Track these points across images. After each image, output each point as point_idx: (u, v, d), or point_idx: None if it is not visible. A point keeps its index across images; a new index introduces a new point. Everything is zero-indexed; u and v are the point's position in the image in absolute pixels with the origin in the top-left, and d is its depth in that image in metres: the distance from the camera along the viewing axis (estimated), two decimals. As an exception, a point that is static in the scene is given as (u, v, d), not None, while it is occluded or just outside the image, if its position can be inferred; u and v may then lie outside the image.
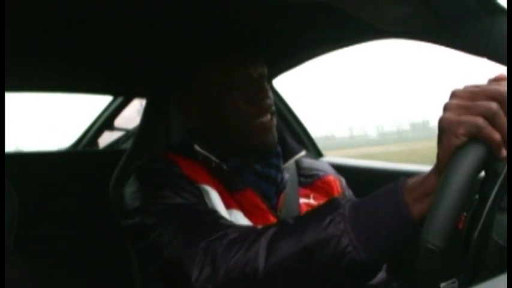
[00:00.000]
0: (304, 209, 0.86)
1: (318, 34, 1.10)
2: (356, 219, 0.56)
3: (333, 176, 0.96)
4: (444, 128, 0.51)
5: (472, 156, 0.48)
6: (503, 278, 0.34)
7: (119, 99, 1.80)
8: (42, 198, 1.37)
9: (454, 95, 0.52)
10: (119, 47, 1.14)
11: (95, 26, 1.02)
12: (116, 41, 1.10)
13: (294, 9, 1.00)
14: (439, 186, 0.49)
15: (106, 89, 1.51)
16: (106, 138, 2.01)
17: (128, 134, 1.96)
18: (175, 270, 0.68)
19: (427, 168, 0.56)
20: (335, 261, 0.56)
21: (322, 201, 0.84)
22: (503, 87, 0.50)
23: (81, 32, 1.03)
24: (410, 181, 0.56)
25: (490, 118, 0.48)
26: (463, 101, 0.50)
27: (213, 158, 0.84)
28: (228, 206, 0.80)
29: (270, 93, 0.87)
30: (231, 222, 0.73)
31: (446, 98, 0.53)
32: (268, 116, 0.85)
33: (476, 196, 0.49)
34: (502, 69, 0.72)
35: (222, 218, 0.74)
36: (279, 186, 0.87)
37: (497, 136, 0.48)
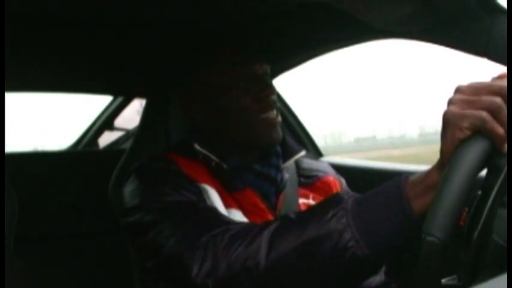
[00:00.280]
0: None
1: (317, 34, 1.10)
2: (358, 214, 0.56)
3: (332, 177, 0.96)
4: (448, 121, 0.51)
5: (476, 149, 0.48)
6: (503, 278, 0.34)
7: (119, 99, 1.79)
8: (42, 198, 1.37)
9: (458, 90, 0.52)
10: (119, 47, 1.14)
11: (95, 26, 1.02)
12: (116, 41, 1.10)
13: (294, 9, 1.00)
14: (443, 178, 0.49)
15: (106, 89, 1.51)
16: (106, 138, 2.01)
17: (128, 134, 1.95)
18: (176, 265, 0.68)
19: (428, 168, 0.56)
20: (337, 255, 0.56)
21: (321, 201, 0.84)
22: (507, 83, 0.50)
23: (81, 32, 1.03)
24: (412, 177, 0.56)
25: (494, 112, 0.49)
26: (467, 95, 0.51)
27: (213, 157, 0.84)
28: (227, 206, 0.80)
29: (275, 91, 0.87)
30: (231, 218, 0.74)
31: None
32: (274, 112, 0.85)
33: (479, 192, 0.49)
34: (502, 69, 0.72)
35: (222, 214, 0.74)
36: (278, 186, 0.87)
37: (501, 130, 0.48)
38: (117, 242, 1.15)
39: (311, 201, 0.89)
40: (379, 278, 0.84)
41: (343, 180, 0.98)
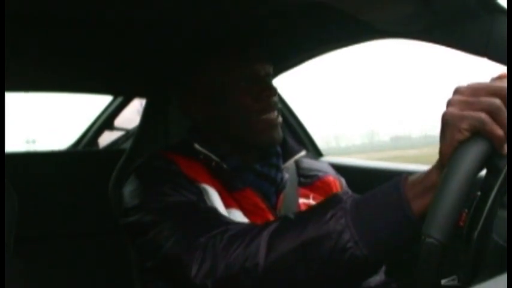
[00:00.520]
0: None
1: (318, 34, 1.10)
2: (357, 215, 0.56)
3: (332, 177, 0.96)
4: (447, 122, 0.51)
5: (475, 151, 0.48)
6: (503, 278, 0.34)
7: (119, 99, 1.80)
8: (42, 198, 1.37)
9: (457, 91, 0.52)
10: (119, 47, 1.14)
11: (95, 26, 1.02)
12: (116, 41, 1.10)
13: (294, 9, 1.00)
14: (442, 180, 0.49)
15: (106, 89, 1.51)
16: (106, 138, 2.01)
17: (128, 134, 1.96)
18: (175, 265, 0.68)
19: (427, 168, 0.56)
20: (336, 256, 0.56)
21: (321, 201, 0.84)
22: (506, 84, 0.50)
23: (81, 32, 1.03)
24: (412, 177, 0.56)
25: (493, 114, 0.48)
26: (467, 96, 0.51)
27: (214, 157, 0.84)
28: (227, 205, 0.80)
29: (276, 92, 0.87)
30: (230, 219, 0.74)
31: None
32: (275, 113, 0.85)
33: (478, 193, 0.49)
34: (502, 69, 0.72)
35: (221, 215, 0.74)
36: (278, 186, 0.87)
37: (500, 132, 0.48)
38: (117, 242, 1.15)
39: (311, 201, 0.89)
40: (379, 278, 0.84)
41: (343, 180, 0.98)
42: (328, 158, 1.48)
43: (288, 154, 0.91)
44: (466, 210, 0.48)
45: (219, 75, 0.85)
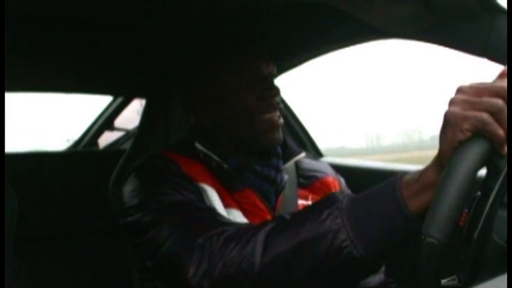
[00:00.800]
0: (303, 210, 0.86)
1: (318, 34, 1.10)
2: (353, 214, 0.56)
3: (331, 177, 0.96)
4: (449, 121, 0.51)
5: (476, 151, 0.48)
6: (503, 278, 0.34)
7: (119, 99, 1.79)
8: (42, 198, 1.37)
9: (459, 90, 0.52)
10: (119, 47, 1.14)
11: (95, 26, 1.02)
12: (116, 41, 1.10)
13: (294, 9, 1.00)
14: (442, 179, 0.49)
15: (106, 89, 1.51)
16: (106, 138, 2.01)
17: (128, 134, 1.95)
18: (172, 266, 0.68)
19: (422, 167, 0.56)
20: (332, 256, 0.56)
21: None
22: (507, 84, 0.50)
23: (81, 32, 1.03)
24: (407, 176, 0.56)
25: (495, 114, 0.48)
26: (469, 96, 0.51)
27: (214, 156, 0.84)
28: (226, 205, 0.80)
29: (279, 92, 0.87)
30: (228, 219, 0.74)
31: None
32: (277, 113, 0.85)
33: (478, 193, 0.49)
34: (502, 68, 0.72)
35: (219, 215, 0.74)
36: (278, 187, 0.87)
37: (501, 132, 0.48)
38: (117, 242, 1.15)
39: (310, 202, 0.89)
40: (378, 277, 0.84)
41: (342, 180, 0.98)
42: (328, 159, 1.48)
43: (288, 155, 0.91)
44: (466, 210, 0.48)
45: (223, 74, 0.85)
